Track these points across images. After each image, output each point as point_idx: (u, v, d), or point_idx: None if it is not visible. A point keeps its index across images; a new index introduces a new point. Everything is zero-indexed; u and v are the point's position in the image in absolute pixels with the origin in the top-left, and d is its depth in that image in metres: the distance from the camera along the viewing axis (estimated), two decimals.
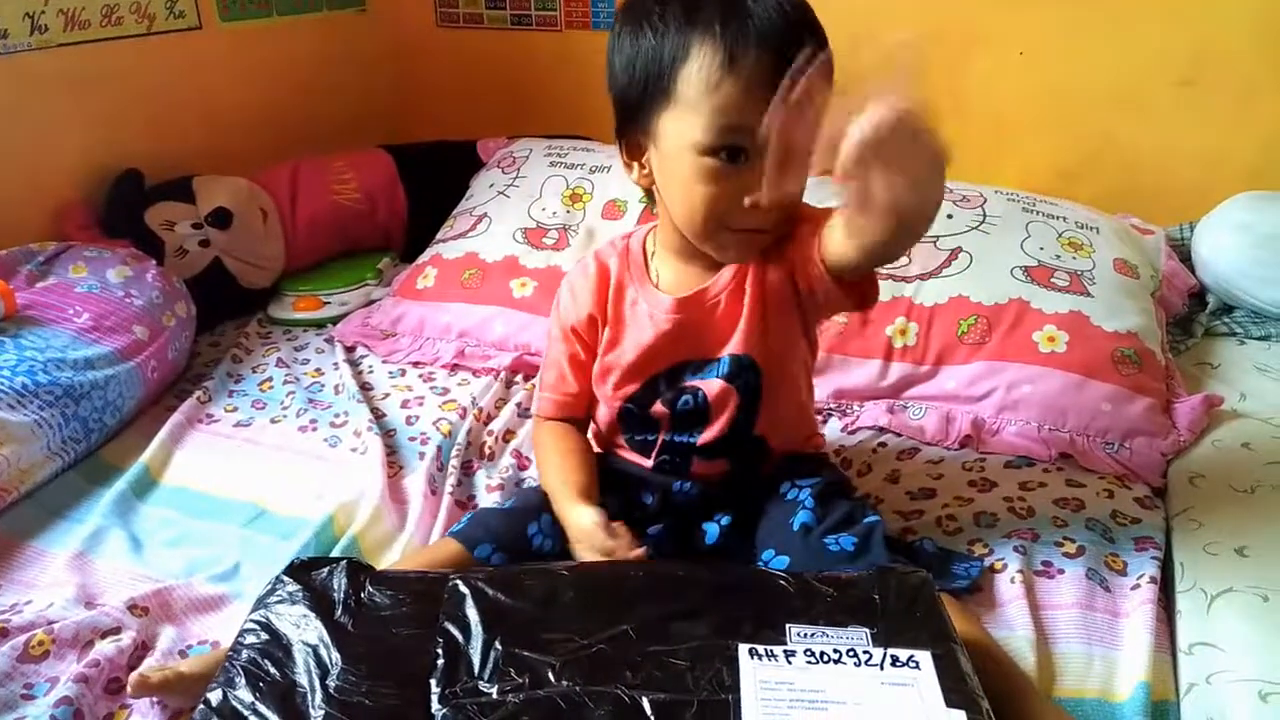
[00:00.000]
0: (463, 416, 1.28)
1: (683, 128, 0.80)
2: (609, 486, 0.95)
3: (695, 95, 0.78)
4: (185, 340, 1.41)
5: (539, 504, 0.94)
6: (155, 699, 0.81)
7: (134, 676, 0.80)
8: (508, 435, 1.26)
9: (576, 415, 1.02)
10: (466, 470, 1.19)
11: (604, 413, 0.99)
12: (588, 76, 1.97)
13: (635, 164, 0.89)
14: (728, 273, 0.90)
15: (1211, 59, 1.56)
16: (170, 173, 1.59)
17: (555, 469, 0.96)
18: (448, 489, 1.13)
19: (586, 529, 0.86)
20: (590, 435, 1.04)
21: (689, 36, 0.78)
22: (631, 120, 0.86)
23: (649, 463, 0.98)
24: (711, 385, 0.92)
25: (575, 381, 1.00)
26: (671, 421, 0.95)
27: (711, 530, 0.94)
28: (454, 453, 1.20)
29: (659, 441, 0.97)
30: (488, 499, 1.12)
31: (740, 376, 0.92)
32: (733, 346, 0.91)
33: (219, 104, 1.75)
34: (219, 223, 1.55)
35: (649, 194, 0.91)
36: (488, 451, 1.22)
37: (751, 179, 0.79)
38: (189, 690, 0.80)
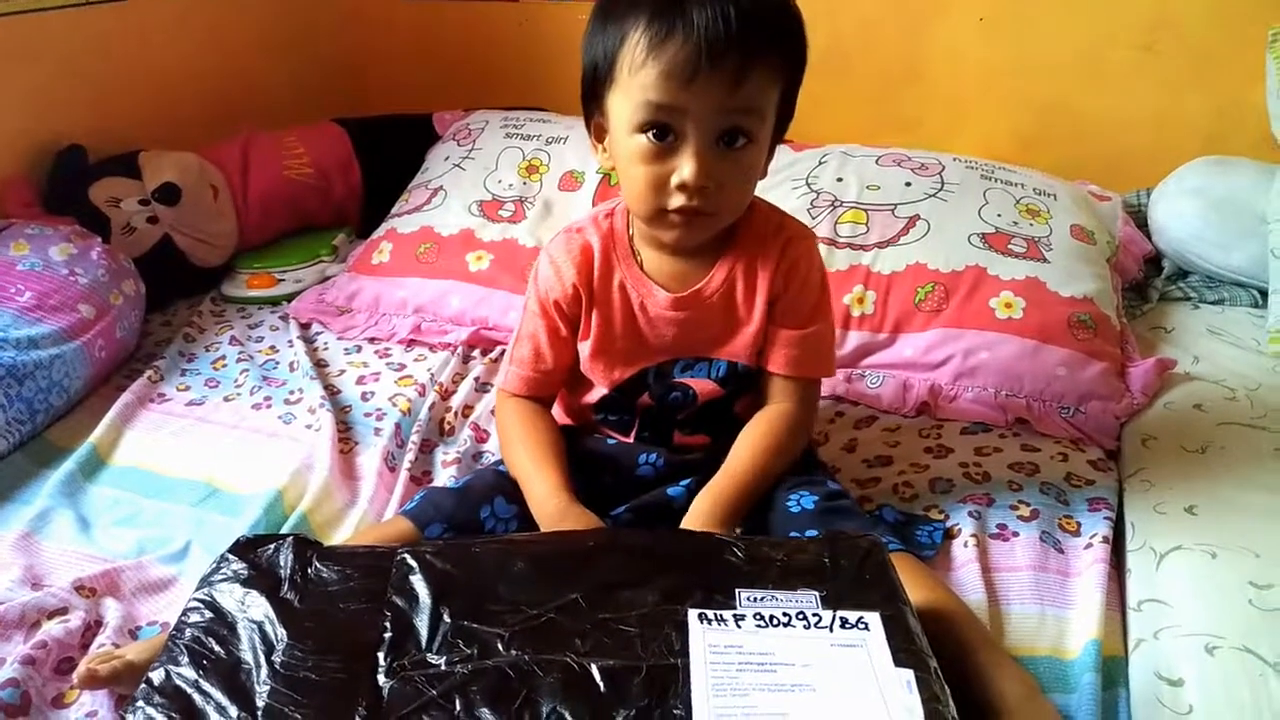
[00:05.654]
0: (422, 393, 1.26)
1: (620, 107, 0.84)
2: (571, 465, 0.94)
3: (626, 75, 0.81)
4: (134, 319, 1.38)
5: (493, 486, 0.93)
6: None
7: (82, 670, 0.79)
8: (466, 410, 1.24)
9: (546, 394, 0.99)
10: (425, 447, 1.17)
11: (593, 393, 0.98)
12: (546, 49, 1.98)
13: (600, 147, 0.91)
14: (721, 271, 0.92)
15: (1168, 26, 1.56)
16: (115, 148, 1.54)
17: (528, 457, 0.92)
18: (405, 465, 1.12)
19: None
20: (558, 408, 1.02)
21: (631, 20, 0.81)
22: (592, 102, 0.88)
23: (628, 437, 0.98)
24: (704, 385, 0.95)
25: (552, 358, 0.96)
26: (653, 409, 0.96)
27: (676, 492, 0.93)
28: (414, 429, 1.18)
29: (636, 422, 0.98)
30: (444, 474, 1.11)
31: (735, 382, 0.95)
32: (733, 353, 0.94)
33: (165, 76, 1.70)
34: (167, 199, 1.51)
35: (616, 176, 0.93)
36: (448, 427, 1.21)
37: (681, 159, 0.81)
38: (140, 678, 0.78)
